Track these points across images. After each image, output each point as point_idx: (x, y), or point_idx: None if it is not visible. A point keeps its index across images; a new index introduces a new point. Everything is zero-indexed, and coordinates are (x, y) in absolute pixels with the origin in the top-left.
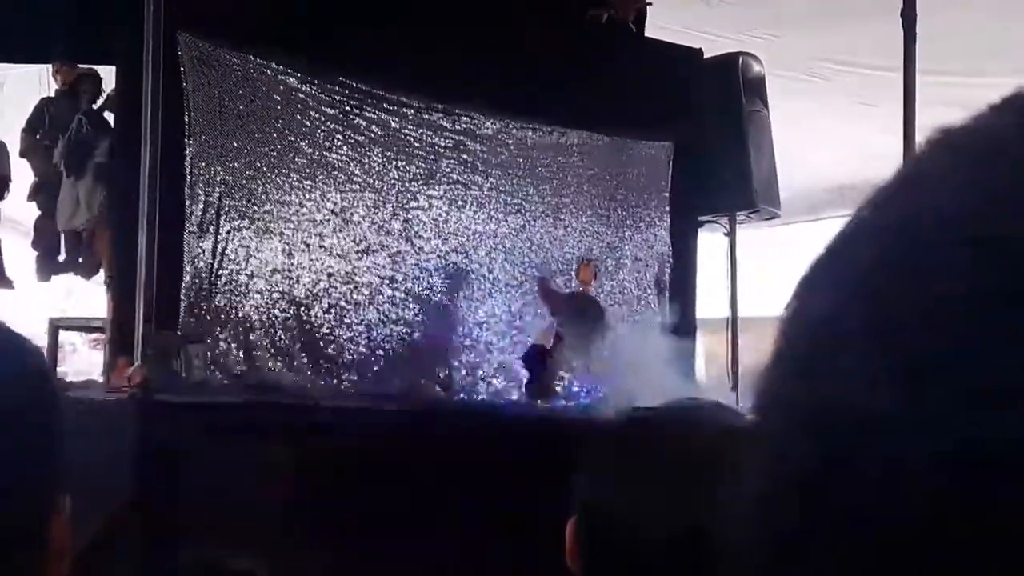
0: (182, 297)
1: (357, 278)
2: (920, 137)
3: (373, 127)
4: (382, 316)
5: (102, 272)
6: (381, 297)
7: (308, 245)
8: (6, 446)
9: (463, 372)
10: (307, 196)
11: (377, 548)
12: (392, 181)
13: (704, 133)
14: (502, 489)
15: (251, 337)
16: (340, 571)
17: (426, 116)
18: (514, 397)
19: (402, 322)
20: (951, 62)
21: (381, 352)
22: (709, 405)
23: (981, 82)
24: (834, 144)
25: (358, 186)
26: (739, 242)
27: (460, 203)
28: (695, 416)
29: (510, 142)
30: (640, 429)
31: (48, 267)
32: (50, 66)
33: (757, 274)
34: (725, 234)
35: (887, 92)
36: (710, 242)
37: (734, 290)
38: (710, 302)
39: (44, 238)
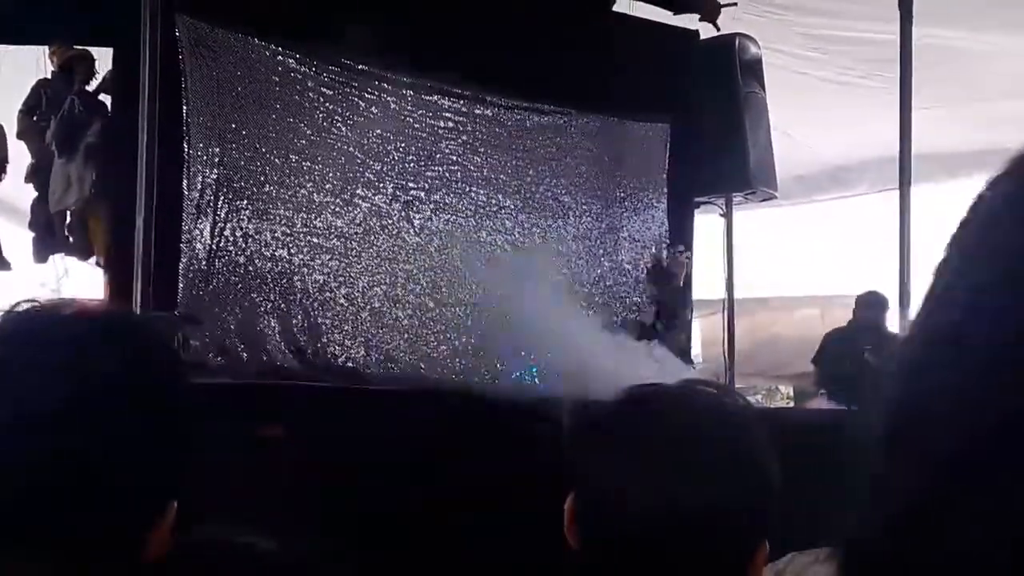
0: (180, 278)
1: (356, 259)
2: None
3: (372, 108)
4: (382, 297)
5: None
6: (381, 278)
7: (307, 226)
8: (133, 446)
9: (465, 352)
10: (306, 177)
11: (379, 530)
12: (391, 162)
13: (701, 115)
14: (509, 470)
15: (249, 318)
16: (342, 554)
17: (425, 97)
18: (516, 376)
19: (402, 303)
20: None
21: (382, 332)
22: (703, 385)
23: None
24: (831, 127)
25: (358, 167)
26: (735, 223)
27: (459, 184)
28: (689, 396)
29: (509, 124)
30: (635, 408)
31: (44, 249)
32: (47, 48)
33: (753, 255)
34: (721, 215)
35: (885, 74)
36: (707, 223)
37: (730, 271)
38: (706, 283)
39: (40, 220)
